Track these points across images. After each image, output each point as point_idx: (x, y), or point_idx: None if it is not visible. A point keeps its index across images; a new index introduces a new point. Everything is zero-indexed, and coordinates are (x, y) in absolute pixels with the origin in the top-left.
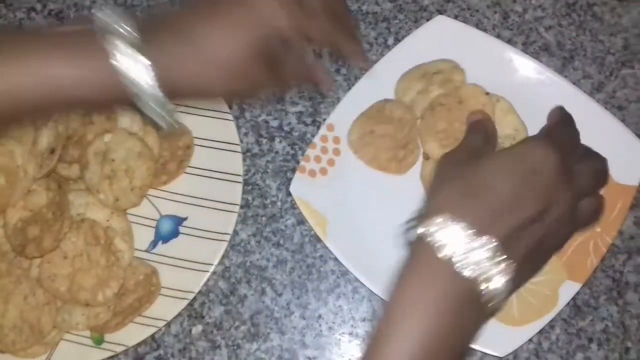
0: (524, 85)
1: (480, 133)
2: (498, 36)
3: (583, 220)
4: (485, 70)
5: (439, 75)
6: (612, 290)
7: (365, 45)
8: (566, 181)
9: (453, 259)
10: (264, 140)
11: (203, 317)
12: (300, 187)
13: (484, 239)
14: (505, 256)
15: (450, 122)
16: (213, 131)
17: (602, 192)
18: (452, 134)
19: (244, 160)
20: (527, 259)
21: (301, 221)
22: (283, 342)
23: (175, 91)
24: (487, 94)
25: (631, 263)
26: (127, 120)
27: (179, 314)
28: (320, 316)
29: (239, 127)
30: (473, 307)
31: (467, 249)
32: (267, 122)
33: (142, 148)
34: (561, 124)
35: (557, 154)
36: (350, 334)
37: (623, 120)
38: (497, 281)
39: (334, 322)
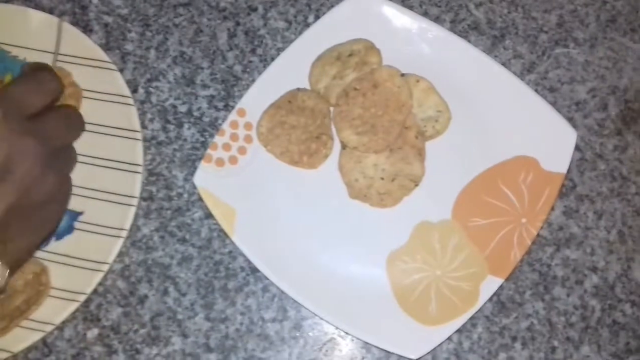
0: (449, 66)
1: None
2: (425, 13)
3: (67, 166)
4: (408, 50)
5: (354, 57)
6: (538, 285)
7: (284, 23)
8: (21, 133)
9: None
10: (172, 127)
11: (99, 319)
12: (206, 177)
13: None
14: None
15: (366, 108)
16: (111, 117)
17: (528, 180)
18: (368, 120)
19: (149, 148)
20: (11, 221)
21: (210, 215)
22: (186, 346)
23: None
24: (403, 75)
25: (559, 256)
26: None
27: (73, 317)
28: (226, 317)
29: (144, 113)
30: None
31: None
32: (175, 106)
33: None
34: (15, 81)
35: (18, 120)
36: (259, 335)
37: (554, 103)
38: None
39: (241, 324)
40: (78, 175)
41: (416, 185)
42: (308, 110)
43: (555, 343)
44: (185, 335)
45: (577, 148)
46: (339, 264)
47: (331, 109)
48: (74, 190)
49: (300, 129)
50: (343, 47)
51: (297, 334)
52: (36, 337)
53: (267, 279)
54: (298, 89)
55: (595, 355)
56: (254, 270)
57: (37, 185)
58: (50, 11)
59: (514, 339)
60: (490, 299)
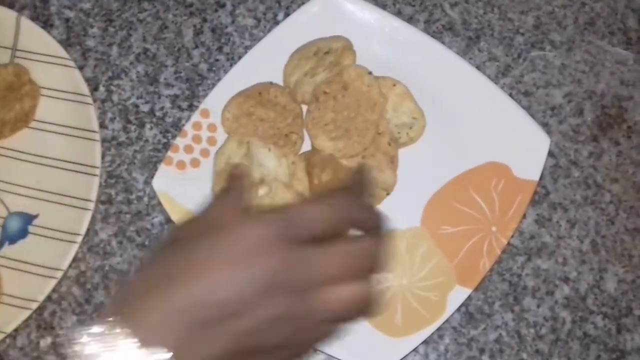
0: (421, 68)
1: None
2: (399, 13)
3: (338, 316)
4: (380, 50)
5: (330, 55)
6: (508, 295)
7: (252, 20)
8: (287, 274)
9: None
10: (133, 127)
11: (53, 327)
12: (166, 181)
13: (154, 349)
14: None
15: (338, 111)
16: (69, 116)
17: (499, 187)
18: (342, 124)
19: (109, 149)
20: None
21: (171, 219)
22: None
23: None
24: (371, 73)
25: (530, 265)
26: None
27: (27, 325)
28: None
29: (104, 112)
30: None
31: None
32: (137, 106)
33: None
34: (325, 200)
35: (284, 244)
36: None
37: (529, 107)
38: None
39: None
40: (34, 176)
41: (388, 194)
42: (279, 107)
43: (524, 356)
44: None
45: (552, 154)
46: None
47: (304, 108)
48: (29, 192)
49: (268, 124)
50: (323, 42)
51: None
52: None
53: None
54: (271, 83)
55: None
56: None
57: (277, 328)
58: (10, 5)
59: (482, 351)
60: (458, 310)
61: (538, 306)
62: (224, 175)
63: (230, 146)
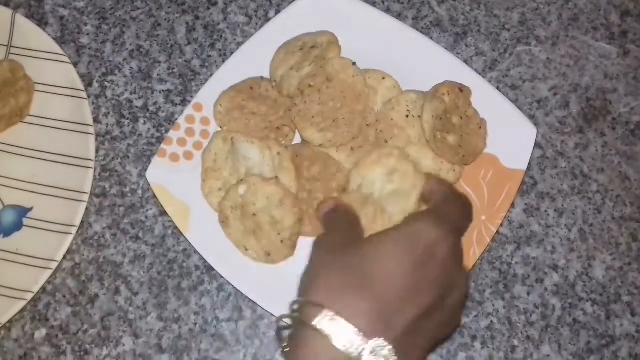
0: (410, 62)
1: (342, 220)
2: (387, 10)
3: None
4: (370, 46)
5: (316, 50)
6: (498, 283)
7: (244, 18)
8: (460, 262)
9: (349, 351)
10: (126, 122)
11: (48, 319)
12: (160, 173)
13: (375, 342)
14: (398, 358)
15: (324, 103)
16: (63, 111)
17: (488, 177)
18: (329, 115)
19: (103, 143)
20: (426, 348)
21: (164, 212)
22: (137, 347)
23: None
24: (354, 64)
25: (519, 254)
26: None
27: (21, 316)
28: (180, 317)
29: (98, 107)
30: None
31: (357, 351)
32: (130, 101)
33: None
34: (452, 199)
35: (452, 235)
36: (213, 335)
37: (516, 101)
38: None
39: (195, 324)
40: (28, 170)
41: None
42: (270, 100)
43: (515, 342)
44: (136, 336)
45: (539, 146)
46: (297, 262)
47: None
48: (24, 185)
49: (260, 117)
50: (309, 37)
51: (253, 334)
52: None
53: (223, 277)
54: (262, 78)
55: (555, 354)
56: (209, 268)
57: (455, 316)
58: (6, 4)
59: (474, 338)
60: None
61: (528, 293)
62: (210, 172)
63: (215, 144)
